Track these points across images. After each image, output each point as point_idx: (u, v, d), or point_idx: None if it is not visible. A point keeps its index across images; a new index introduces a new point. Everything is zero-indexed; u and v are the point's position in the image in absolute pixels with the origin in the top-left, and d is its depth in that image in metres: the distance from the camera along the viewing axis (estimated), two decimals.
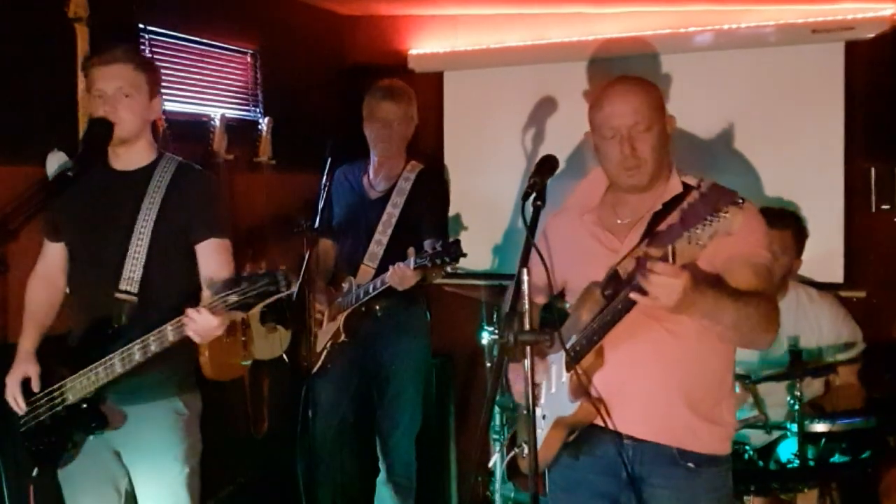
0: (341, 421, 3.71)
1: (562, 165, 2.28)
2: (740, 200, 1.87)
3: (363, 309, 3.54)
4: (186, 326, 2.32)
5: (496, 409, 3.66)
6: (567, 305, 2.39)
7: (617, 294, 2.09)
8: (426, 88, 4.35)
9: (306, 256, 3.16)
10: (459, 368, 4.39)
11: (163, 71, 2.84)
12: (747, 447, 3.09)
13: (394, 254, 3.42)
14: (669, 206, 2.18)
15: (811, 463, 2.97)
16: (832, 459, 3.03)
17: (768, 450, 3.14)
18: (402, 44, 4.53)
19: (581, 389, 2.19)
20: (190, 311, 2.31)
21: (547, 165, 2.22)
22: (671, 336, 2.18)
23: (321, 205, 3.22)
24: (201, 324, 2.31)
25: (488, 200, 4.29)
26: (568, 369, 2.22)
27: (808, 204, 3.67)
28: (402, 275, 3.28)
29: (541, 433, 2.28)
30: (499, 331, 3.34)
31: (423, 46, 4.51)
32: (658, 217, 2.20)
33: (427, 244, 3.42)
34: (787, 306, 3.19)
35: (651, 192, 2.27)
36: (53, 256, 2.69)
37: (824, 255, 3.62)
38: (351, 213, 3.71)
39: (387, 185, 3.67)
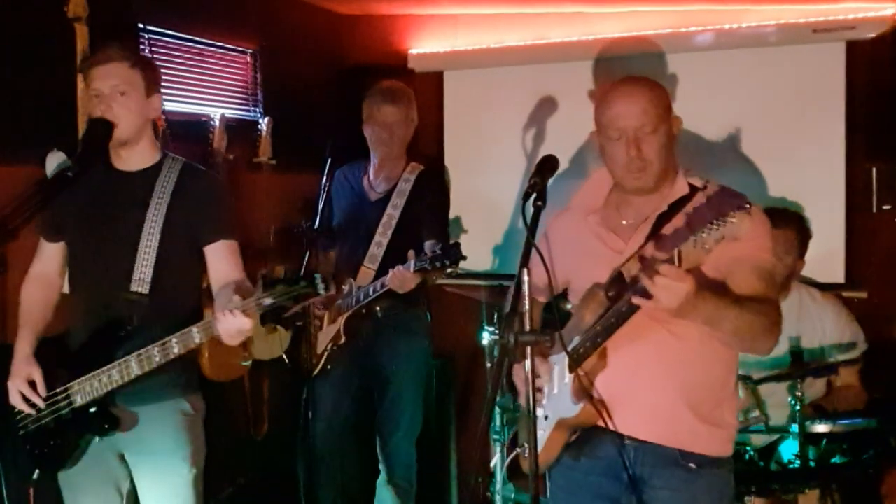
0: (342, 423, 3.70)
1: (562, 165, 2.27)
2: (748, 205, 1.85)
3: (363, 310, 3.53)
4: (215, 328, 2.29)
5: (497, 409, 3.66)
6: (570, 306, 2.38)
7: (620, 296, 2.08)
8: (426, 88, 4.35)
9: (306, 256, 3.15)
10: (460, 369, 4.38)
11: (163, 71, 2.80)
12: (748, 448, 3.08)
13: (394, 255, 3.41)
14: (675, 208, 2.17)
15: (812, 464, 2.96)
16: (833, 460, 3.01)
17: (769, 450, 3.13)
18: (402, 43, 4.52)
19: (584, 391, 2.19)
20: (224, 313, 2.26)
21: (547, 165, 2.20)
22: (674, 338, 2.17)
23: (321, 205, 3.21)
24: (234, 325, 2.27)
25: (489, 200, 4.28)
26: (571, 371, 2.21)
27: (808, 204, 3.67)
28: (403, 278, 3.27)
29: (542, 434, 2.28)
30: (499, 331, 3.33)
31: (423, 46, 4.50)
32: (663, 219, 2.18)
33: (427, 247, 3.42)
34: (790, 307, 3.18)
35: (656, 194, 2.25)
36: (51, 257, 2.66)
37: (825, 255, 3.61)
38: (351, 215, 3.70)
39: (387, 187, 3.67)
